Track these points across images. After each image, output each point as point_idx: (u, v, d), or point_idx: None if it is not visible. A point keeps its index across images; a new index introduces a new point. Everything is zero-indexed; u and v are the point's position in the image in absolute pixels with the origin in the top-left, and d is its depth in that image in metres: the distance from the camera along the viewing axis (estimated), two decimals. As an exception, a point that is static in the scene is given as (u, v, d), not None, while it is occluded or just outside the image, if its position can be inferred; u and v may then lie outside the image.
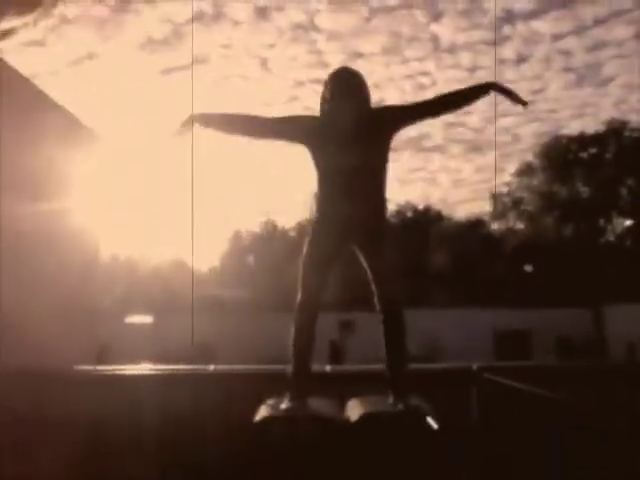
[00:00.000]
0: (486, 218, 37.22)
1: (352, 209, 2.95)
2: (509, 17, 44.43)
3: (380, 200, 3.07)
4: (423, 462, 2.75)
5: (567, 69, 48.97)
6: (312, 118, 3.09)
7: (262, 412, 2.92)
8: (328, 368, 4.02)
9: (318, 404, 3.03)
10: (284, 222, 39.77)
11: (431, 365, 7.04)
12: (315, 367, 3.12)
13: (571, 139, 32.42)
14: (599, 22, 51.72)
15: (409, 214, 38.00)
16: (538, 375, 4.19)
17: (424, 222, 37.15)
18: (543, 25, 43.14)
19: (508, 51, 46.65)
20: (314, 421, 2.86)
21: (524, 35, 46.87)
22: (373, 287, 3.04)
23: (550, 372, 4.55)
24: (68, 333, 5.00)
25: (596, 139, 31.94)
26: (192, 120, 3.08)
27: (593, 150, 32.08)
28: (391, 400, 2.93)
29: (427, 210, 39.00)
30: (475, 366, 3.75)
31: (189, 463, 3.66)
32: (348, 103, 2.92)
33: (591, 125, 56.85)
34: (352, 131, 2.95)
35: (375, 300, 3.04)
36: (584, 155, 32.31)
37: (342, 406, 3.11)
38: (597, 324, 24.28)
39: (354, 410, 2.96)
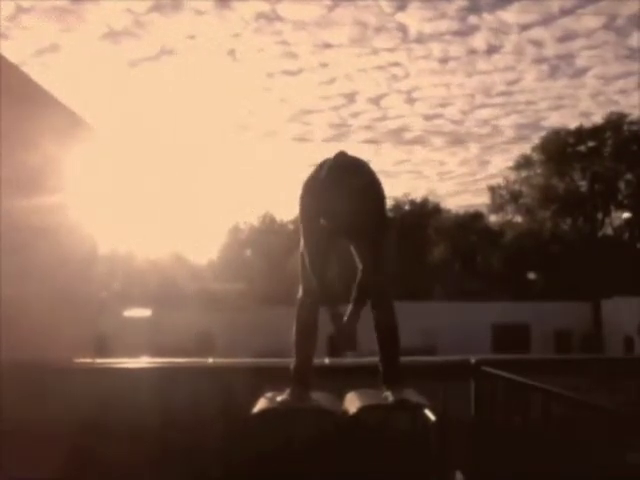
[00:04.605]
0: (483, 210, 37.26)
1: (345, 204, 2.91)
2: (475, 7, 43.98)
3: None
4: (421, 454, 2.77)
5: (540, 60, 48.44)
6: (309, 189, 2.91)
7: (261, 404, 2.93)
8: (327, 361, 4.03)
9: (317, 397, 3.04)
10: (282, 215, 39.76)
11: (429, 358, 7.05)
12: (314, 360, 3.14)
13: (569, 132, 32.37)
14: (566, 12, 51.37)
15: (406, 207, 37.94)
16: (536, 368, 4.20)
17: (422, 215, 37.12)
18: (510, 15, 42.69)
19: (478, 41, 46.52)
20: (313, 413, 2.87)
21: (492, 25, 46.72)
22: (363, 281, 3.03)
23: (548, 365, 4.57)
24: (67, 326, 5.00)
25: (594, 132, 31.89)
26: None
27: (592, 143, 32.04)
28: (388, 393, 2.94)
29: (424, 202, 38.92)
30: (473, 359, 3.77)
31: (188, 455, 3.67)
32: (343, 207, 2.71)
33: (570, 117, 56.63)
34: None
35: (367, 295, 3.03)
36: (582, 148, 32.28)
37: (341, 399, 3.13)
38: (596, 317, 24.32)
39: (353, 402, 2.97)
